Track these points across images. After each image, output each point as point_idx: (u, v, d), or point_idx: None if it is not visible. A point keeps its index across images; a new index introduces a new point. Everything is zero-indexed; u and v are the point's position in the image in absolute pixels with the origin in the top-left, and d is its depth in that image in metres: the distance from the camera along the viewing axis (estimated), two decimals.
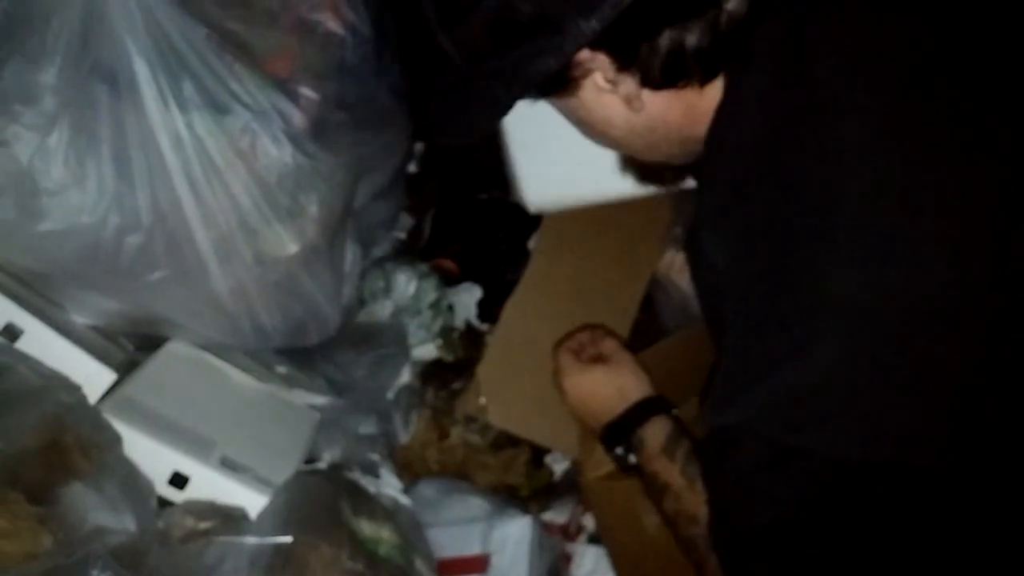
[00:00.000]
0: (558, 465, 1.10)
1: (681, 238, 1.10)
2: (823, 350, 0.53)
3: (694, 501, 0.71)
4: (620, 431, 0.80)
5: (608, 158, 0.88)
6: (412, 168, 1.25)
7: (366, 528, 0.83)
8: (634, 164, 0.77)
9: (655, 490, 0.76)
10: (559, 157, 0.90)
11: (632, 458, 0.79)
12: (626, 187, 0.91)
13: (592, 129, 0.67)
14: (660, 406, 0.80)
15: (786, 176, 0.56)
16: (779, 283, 0.55)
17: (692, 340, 1.00)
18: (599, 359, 0.86)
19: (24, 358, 0.73)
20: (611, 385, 0.83)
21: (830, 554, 0.54)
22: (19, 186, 0.75)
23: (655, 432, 0.78)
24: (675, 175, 0.74)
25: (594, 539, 1.01)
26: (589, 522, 1.02)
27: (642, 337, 1.06)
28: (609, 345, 0.87)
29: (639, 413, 0.80)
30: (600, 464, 0.86)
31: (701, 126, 0.61)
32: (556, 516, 1.04)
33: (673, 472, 0.74)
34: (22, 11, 0.76)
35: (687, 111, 0.61)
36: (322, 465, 0.92)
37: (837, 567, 0.54)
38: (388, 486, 0.97)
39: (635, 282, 1.11)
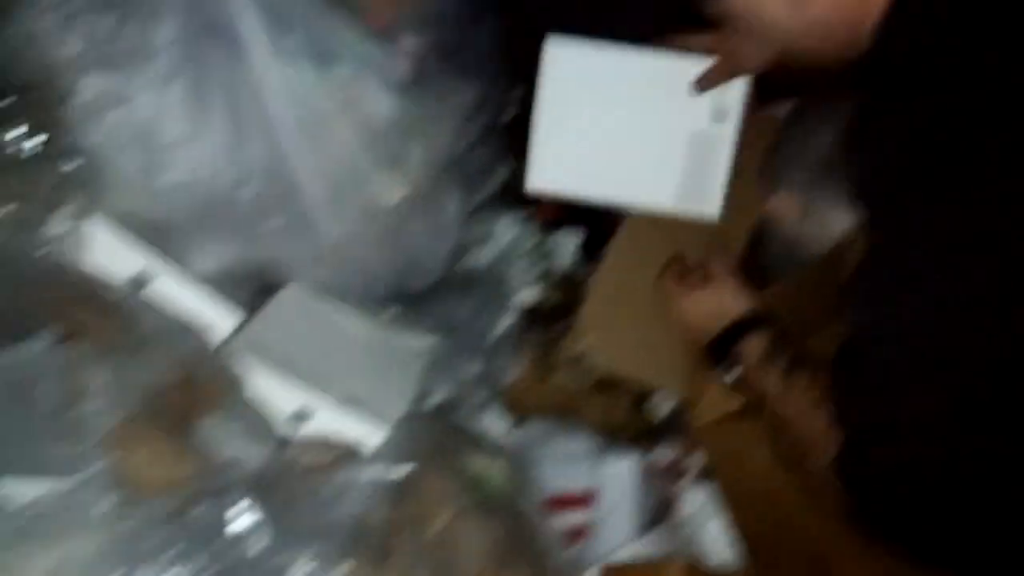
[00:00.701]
0: (663, 406, 1.11)
1: (786, 180, 1.07)
2: (984, 259, 0.52)
3: (792, 403, 0.73)
4: (719, 350, 0.81)
5: (621, 164, 0.88)
6: (512, 112, 1.25)
7: (476, 464, 0.85)
8: (780, 77, 0.76)
9: (759, 400, 0.78)
10: (578, 154, 0.89)
11: (735, 374, 0.80)
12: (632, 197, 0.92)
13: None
14: (758, 322, 0.80)
15: (971, 72, 0.54)
16: (947, 186, 0.54)
17: (800, 286, 0.99)
18: (705, 280, 0.87)
19: (155, 303, 0.77)
20: (709, 306, 0.85)
21: (962, 466, 0.54)
22: (142, 141, 0.79)
23: (753, 348, 0.79)
24: (827, 81, 0.72)
25: (701, 478, 1.01)
26: (696, 462, 1.02)
27: (750, 278, 1.05)
28: (715, 266, 0.88)
29: (735, 330, 0.82)
30: (711, 408, 0.87)
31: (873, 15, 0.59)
32: (662, 456, 1.05)
33: (771, 381, 0.75)
34: None
35: None
36: (433, 403, 0.95)
37: (966, 477, 0.54)
38: (495, 425, 0.99)
39: (739, 224, 1.09)
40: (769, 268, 1.13)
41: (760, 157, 1.09)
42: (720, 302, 0.85)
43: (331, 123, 0.84)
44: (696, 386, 0.90)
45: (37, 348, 0.54)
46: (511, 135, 1.22)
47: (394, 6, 0.93)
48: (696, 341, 0.86)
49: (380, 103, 0.87)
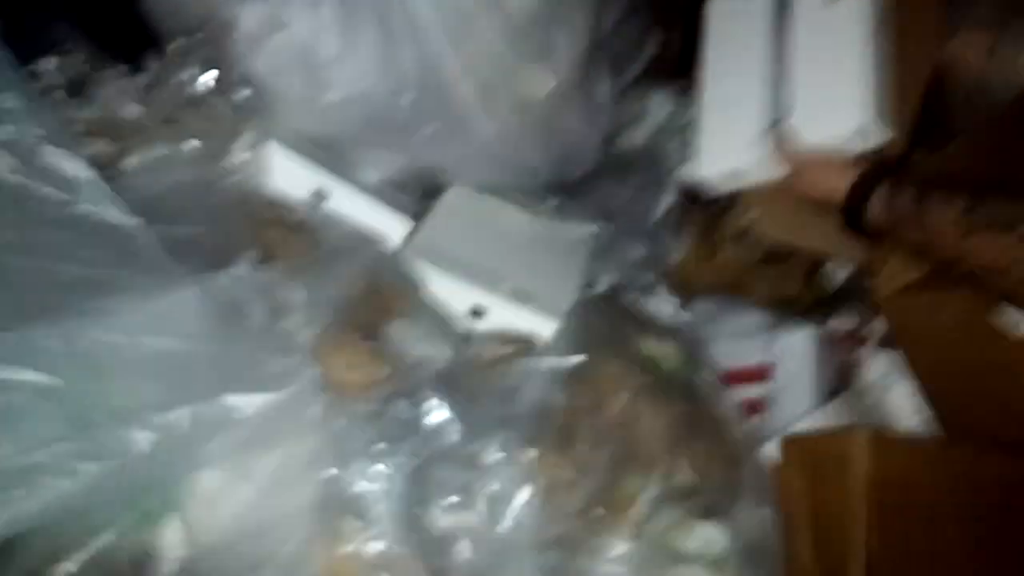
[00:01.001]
0: (837, 273, 1.07)
1: (970, 17, 0.98)
2: None
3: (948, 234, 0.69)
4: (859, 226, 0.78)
5: None
6: None
7: (650, 345, 0.87)
8: None
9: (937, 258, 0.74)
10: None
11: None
12: None
13: None
14: (866, 184, 0.77)
15: None
16: None
17: (987, 137, 0.92)
18: None
19: (334, 217, 0.82)
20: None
21: None
22: (303, 61, 0.83)
23: (876, 206, 0.75)
24: None
25: (885, 343, 0.98)
26: (877, 328, 0.99)
27: (927, 136, 0.99)
28: None
29: (855, 203, 0.77)
30: (892, 278, 0.83)
31: None
32: (842, 323, 1.02)
33: (913, 226, 0.72)
34: None
35: None
36: (601, 290, 0.96)
37: None
38: (665, 304, 1.00)
39: (917, 68, 1.00)
40: (952, 118, 1.05)
41: None
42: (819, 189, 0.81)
43: (475, 22, 0.85)
44: (874, 256, 0.86)
45: (240, 271, 0.60)
46: (655, 6, 1.18)
47: None
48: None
49: None
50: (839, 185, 0.79)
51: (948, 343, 0.84)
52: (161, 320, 0.53)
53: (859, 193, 0.77)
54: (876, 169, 0.78)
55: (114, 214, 0.57)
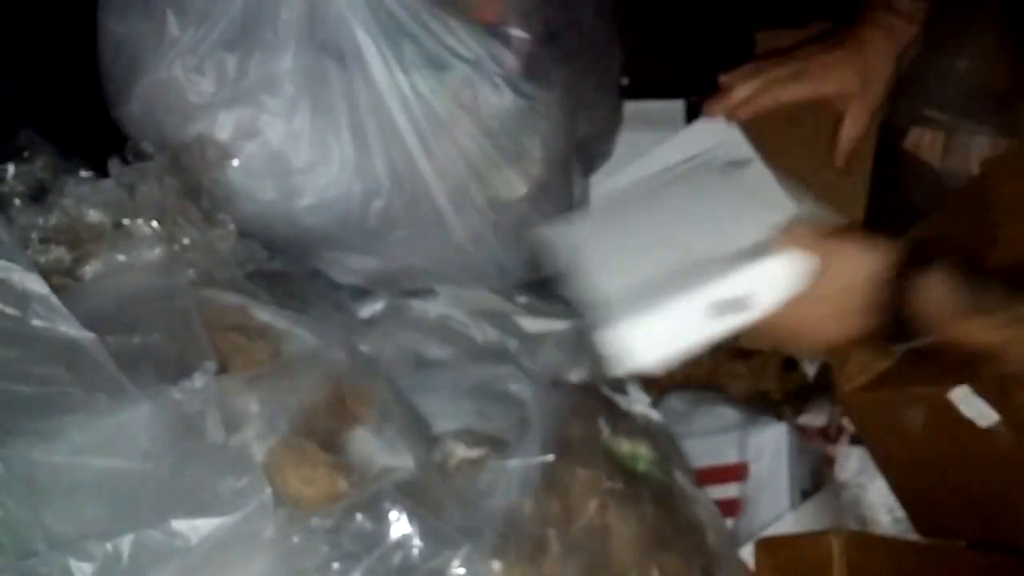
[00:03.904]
0: (812, 366, 1.07)
1: (923, 116, 1.01)
2: None
3: None
4: (894, 329, 0.65)
5: None
6: (625, 82, 1.23)
7: (624, 446, 0.86)
8: None
9: (977, 360, 0.62)
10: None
11: (925, 340, 0.64)
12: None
13: None
14: (916, 262, 0.64)
15: None
16: None
17: (947, 222, 0.93)
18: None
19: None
20: (836, 285, 0.66)
21: None
22: (275, 169, 0.84)
23: (932, 298, 0.62)
24: None
25: (856, 440, 0.98)
26: (850, 424, 0.99)
27: (892, 221, 1.00)
28: (801, 240, 0.69)
29: (894, 295, 0.63)
30: (855, 374, 0.83)
31: None
32: (813, 419, 1.02)
33: (989, 328, 0.61)
34: (254, 9, 0.82)
35: None
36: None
37: None
38: (637, 401, 0.99)
39: (859, 162, 1.02)
40: (916, 207, 1.06)
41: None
42: (844, 272, 0.66)
43: (451, 127, 0.86)
44: (838, 353, 0.87)
45: (196, 383, 0.59)
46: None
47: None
48: (849, 332, 0.69)
49: (496, 100, 0.88)
50: (858, 289, 0.66)
51: (913, 439, 0.84)
52: (108, 439, 0.52)
53: (896, 287, 0.64)
54: (910, 257, 0.66)
55: (66, 329, 0.56)
